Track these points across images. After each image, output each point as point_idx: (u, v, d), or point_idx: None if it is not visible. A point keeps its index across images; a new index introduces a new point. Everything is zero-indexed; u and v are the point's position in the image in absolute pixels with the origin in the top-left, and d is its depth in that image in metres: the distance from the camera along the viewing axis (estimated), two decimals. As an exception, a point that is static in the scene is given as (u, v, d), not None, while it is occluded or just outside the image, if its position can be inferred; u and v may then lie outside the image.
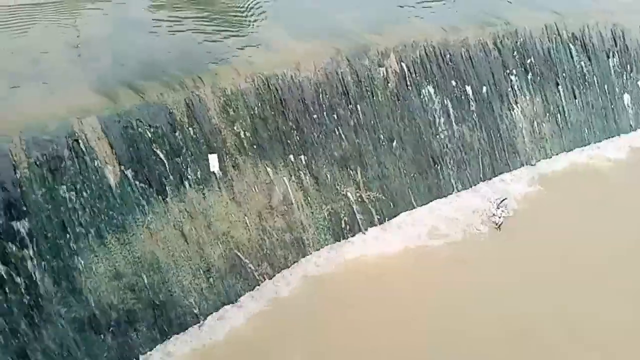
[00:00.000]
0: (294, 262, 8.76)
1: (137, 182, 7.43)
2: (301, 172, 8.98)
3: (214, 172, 8.13)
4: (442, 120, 10.59)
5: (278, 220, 8.70)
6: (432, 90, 10.50)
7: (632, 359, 7.64)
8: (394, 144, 9.97)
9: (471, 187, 10.91)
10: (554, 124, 12.27)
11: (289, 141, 8.85)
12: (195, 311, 7.77)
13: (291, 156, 8.87)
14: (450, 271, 8.89)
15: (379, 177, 9.77)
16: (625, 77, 13.46)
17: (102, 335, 6.99)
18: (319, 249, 9.04)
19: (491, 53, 11.44)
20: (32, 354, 6.45)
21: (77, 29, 9.38)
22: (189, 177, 7.89)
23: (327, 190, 9.22)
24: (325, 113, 9.24)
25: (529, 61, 11.93)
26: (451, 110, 10.72)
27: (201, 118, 8.07)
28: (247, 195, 8.40)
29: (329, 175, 9.24)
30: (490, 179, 11.18)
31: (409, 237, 9.50)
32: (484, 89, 11.24)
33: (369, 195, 9.64)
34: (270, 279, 8.47)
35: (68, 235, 6.82)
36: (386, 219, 9.80)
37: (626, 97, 13.47)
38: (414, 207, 10.14)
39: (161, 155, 7.67)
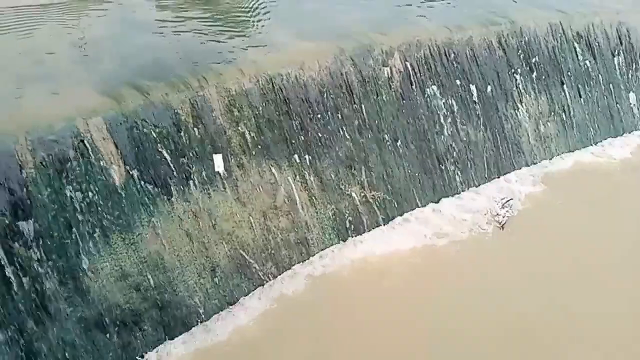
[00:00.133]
0: (299, 262, 8.77)
1: (142, 182, 7.45)
2: (305, 172, 8.98)
3: (218, 172, 8.14)
4: (447, 119, 10.58)
5: (282, 220, 8.71)
6: (436, 90, 10.50)
7: (634, 359, 7.61)
8: (399, 143, 9.97)
9: (476, 186, 10.89)
10: (559, 123, 12.24)
11: (293, 141, 8.86)
12: (200, 311, 7.80)
13: (296, 156, 8.88)
14: (456, 271, 8.89)
15: (383, 176, 9.77)
16: (630, 76, 13.42)
17: (107, 335, 7.02)
18: (324, 249, 9.05)
19: (496, 52, 11.42)
20: (38, 353, 6.49)
21: (82, 29, 9.42)
22: (194, 177, 7.90)
23: (332, 190, 9.23)
24: (329, 113, 9.24)
25: (533, 60, 11.91)
26: (456, 110, 10.71)
27: (206, 118, 8.09)
28: (252, 195, 8.42)
29: (333, 175, 9.25)
30: (495, 178, 11.16)
31: (414, 236, 9.49)
32: (489, 88, 11.22)
33: (373, 195, 9.64)
34: (275, 278, 8.49)
35: (74, 235, 6.85)
36: (391, 218, 9.81)
37: (632, 96, 13.43)
38: (419, 207, 10.14)
39: (166, 156, 7.69)
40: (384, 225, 9.69)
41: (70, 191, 6.88)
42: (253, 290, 8.28)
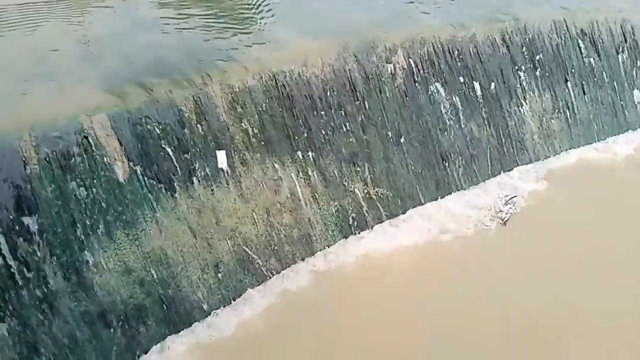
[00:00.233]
0: (302, 258, 8.79)
1: (146, 178, 7.48)
2: (309, 168, 8.99)
3: (222, 169, 8.17)
4: (450, 116, 10.57)
5: (286, 216, 8.72)
6: (440, 87, 10.49)
7: (637, 356, 7.59)
8: (402, 140, 9.97)
9: (479, 183, 10.88)
10: (562, 120, 12.22)
11: (296, 138, 8.87)
12: (203, 306, 7.83)
13: (299, 152, 8.89)
14: (459, 267, 8.88)
15: (386, 173, 9.77)
16: (635, 73, 13.37)
17: (111, 330, 7.06)
18: (327, 245, 9.06)
19: (499, 49, 11.40)
20: (43, 347, 6.53)
21: (85, 26, 9.45)
22: (197, 173, 7.93)
23: (335, 186, 9.24)
24: (332, 109, 9.25)
25: (537, 57, 11.88)
26: (459, 107, 10.70)
27: (209, 115, 8.11)
28: (255, 192, 8.43)
29: (336, 172, 9.25)
30: (498, 175, 11.15)
31: (417, 233, 9.48)
32: (492, 85, 11.20)
33: (376, 192, 9.64)
34: (278, 274, 8.51)
35: (78, 231, 6.89)
36: (394, 215, 9.81)
37: (636, 93, 13.37)
38: (422, 204, 10.13)
39: (170, 152, 7.72)
40: (388, 221, 9.69)
41: (74, 187, 6.91)
42: (256, 285, 8.30)
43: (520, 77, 11.66)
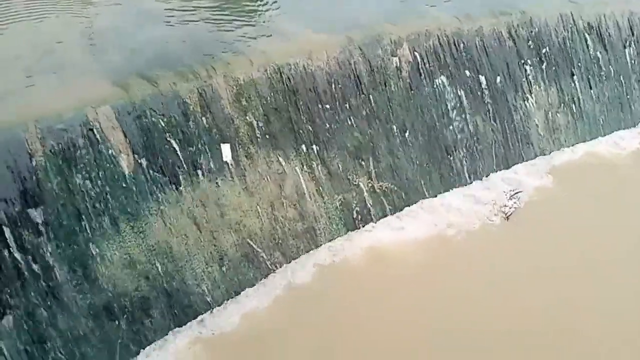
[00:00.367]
0: (306, 252, 8.80)
1: (150, 171, 7.48)
2: (313, 162, 8.98)
3: (226, 162, 8.16)
4: (456, 110, 10.53)
5: (290, 210, 8.72)
6: (445, 80, 10.44)
7: (638, 353, 7.58)
8: (407, 134, 9.94)
9: (484, 178, 10.86)
10: (568, 114, 12.16)
11: (301, 131, 8.86)
12: (208, 299, 7.85)
13: (303, 146, 8.88)
14: (462, 261, 8.89)
15: (391, 167, 9.75)
16: (642, 67, 13.30)
17: (116, 322, 7.09)
18: (331, 239, 9.07)
19: (506, 43, 11.33)
20: (49, 339, 6.57)
21: (90, 19, 9.43)
22: (202, 166, 7.93)
23: (339, 180, 9.23)
24: (337, 103, 9.22)
25: (543, 51, 11.81)
26: (465, 101, 10.66)
27: (214, 107, 8.10)
28: (260, 185, 8.43)
29: (341, 166, 9.24)
30: (503, 169, 11.12)
31: (421, 227, 9.49)
32: (498, 79, 11.15)
33: (381, 186, 9.63)
34: (282, 267, 8.52)
35: (83, 223, 6.91)
36: (398, 209, 9.80)
37: (643, 88, 13.30)
38: (426, 198, 10.12)
39: (174, 145, 7.71)
40: (392, 215, 9.69)
41: (80, 179, 6.92)
42: (261, 279, 8.32)
43: (526, 70, 11.60)
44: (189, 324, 7.64)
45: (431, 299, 8.15)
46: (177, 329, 7.55)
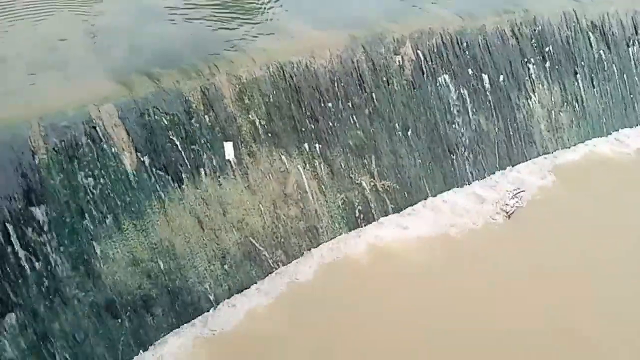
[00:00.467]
0: (308, 250, 8.80)
1: (153, 169, 7.48)
2: (316, 160, 8.98)
3: (229, 160, 8.16)
4: (458, 109, 10.51)
5: (292, 208, 8.72)
6: (448, 79, 10.42)
7: (638, 352, 7.57)
8: (409, 132, 9.93)
9: (487, 176, 10.84)
10: (572, 113, 12.13)
11: (303, 129, 8.85)
12: (210, 297, 7.86)
13: (306, 144, 8.87)
14: (465, 260, 8.88)
15: (393, 166, 9.74)
16: (645, 66, 13.25)
17: (119, 320, 7.10)
18: (333, 237, 9.07)
19: (509, 41, 11.30)
20: (51, 336, 6.58)
21: (93, 16, 9.43)
22: (204, 164, 7.93)
23: (342, 178, 9.22)
24: (340, 101, 9.21)
25: (547, 49, 11.77)
26: (467, 99, 10.64)
27: (217, 106, 8.09)
28: (262, 183, 8.43)
29: (343, 164, 9.24)
30: (506, 168, 11.10)
31: (423, 225, 9.49)
32: (501, 77, 11.12)
33: (383, 185, 9.62)
34: (284, 265, 8.52)
35: (86, 221, 6.91)
36: (401, 208, 9.79)
37: (646, 87, 13.26)
38: (429, 197, 10.11)
39: (177, 143, 7.71)
40: (394, 214, 9.68)
41: (82, 177, 6.93)
42: (263, 277, 8.32)
43: (529, 69, 11.57)
44: (191, 322, 7.65)
45: (433, 297, 8.14)
46: (179, 326, 7.55)
